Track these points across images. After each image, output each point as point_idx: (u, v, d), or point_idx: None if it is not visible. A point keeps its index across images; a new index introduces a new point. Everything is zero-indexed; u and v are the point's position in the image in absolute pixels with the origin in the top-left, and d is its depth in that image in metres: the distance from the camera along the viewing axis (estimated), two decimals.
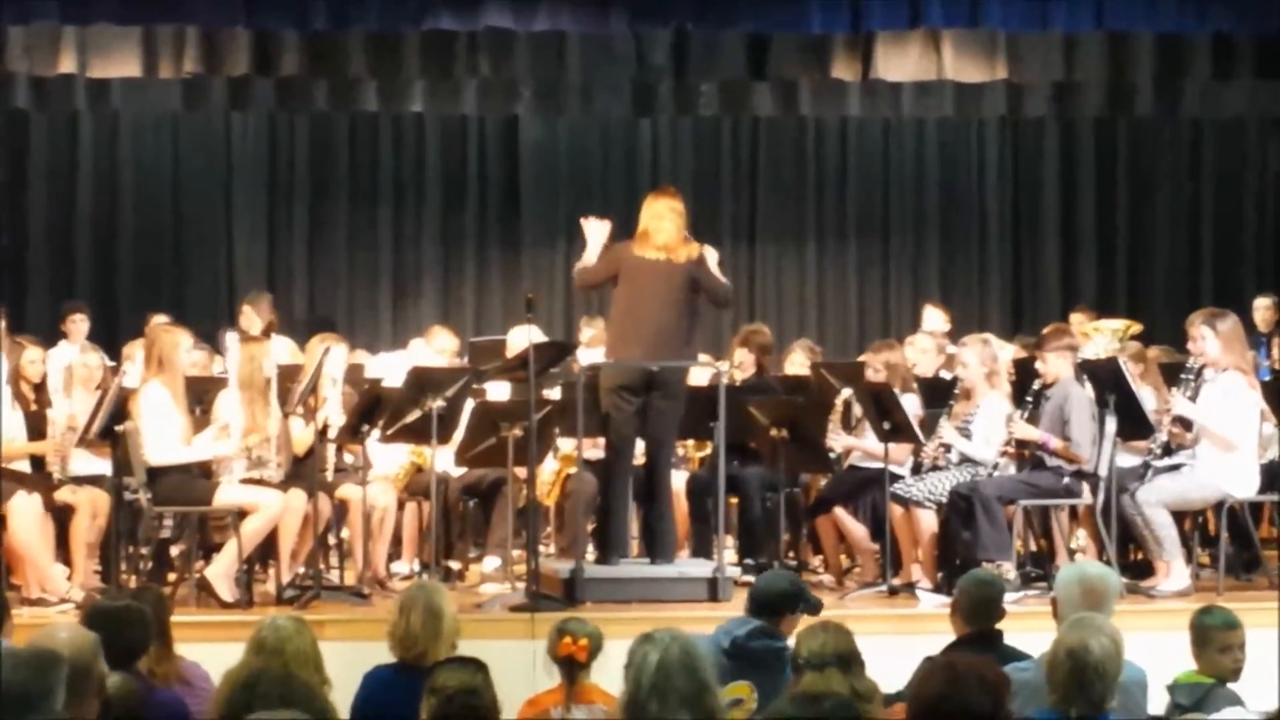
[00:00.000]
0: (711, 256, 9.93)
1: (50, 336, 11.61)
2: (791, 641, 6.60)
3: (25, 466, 10.11)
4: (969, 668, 4.78)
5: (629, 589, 9.63)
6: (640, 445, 10.11)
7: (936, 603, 9.59)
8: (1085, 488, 10.04)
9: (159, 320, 11.83)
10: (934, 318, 13.81)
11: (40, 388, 10.44)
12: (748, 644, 6.77)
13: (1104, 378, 10.14)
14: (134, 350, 10.98)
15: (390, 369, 11.20)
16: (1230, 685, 6.11)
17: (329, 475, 10.42)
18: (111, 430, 9.65)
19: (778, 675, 6.50)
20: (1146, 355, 11.01)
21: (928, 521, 10.09)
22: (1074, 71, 13.01)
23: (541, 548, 10.74)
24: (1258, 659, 7.79)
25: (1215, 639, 6.15)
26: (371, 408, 9.98)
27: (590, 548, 10.20)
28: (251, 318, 13.35)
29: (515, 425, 9.79)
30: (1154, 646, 6.91)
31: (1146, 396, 10.26)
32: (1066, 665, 5.21)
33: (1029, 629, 7.92)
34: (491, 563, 10.61)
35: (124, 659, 5.69)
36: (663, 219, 9.88)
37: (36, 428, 10.19)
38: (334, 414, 10.15)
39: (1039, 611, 8.93)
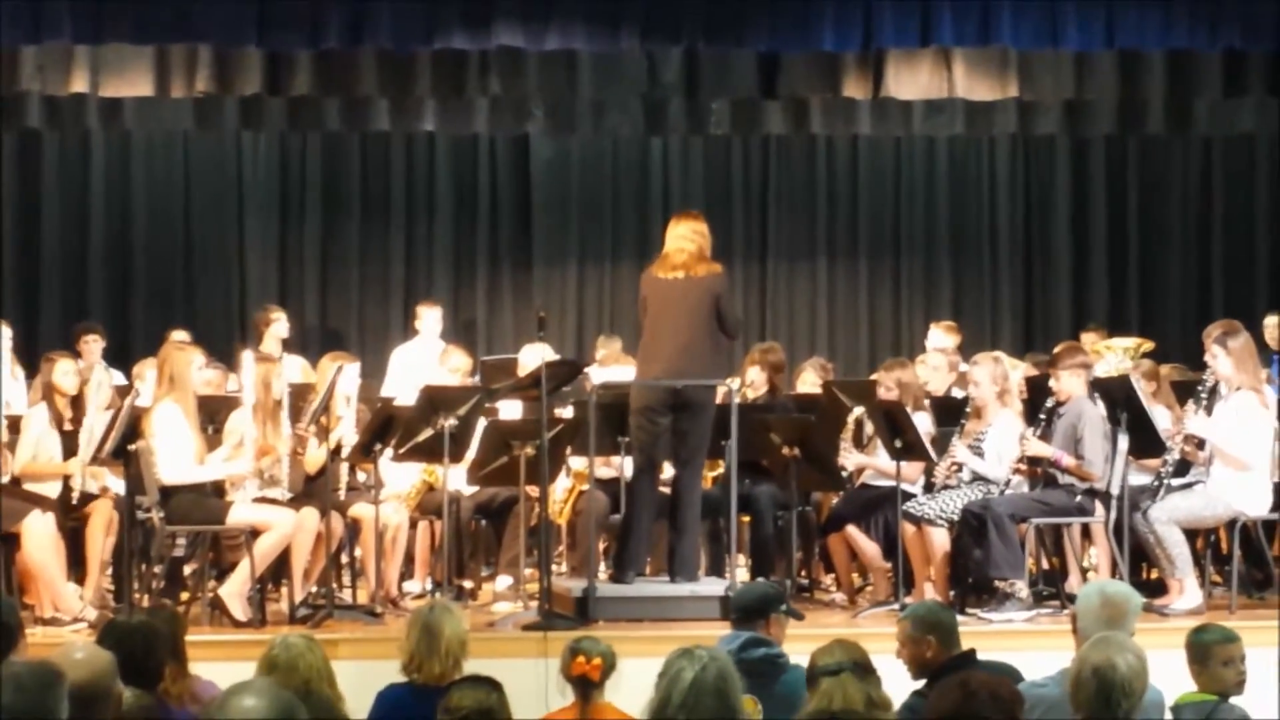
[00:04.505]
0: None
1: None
2: (785, 648, 6.66)
3: (54, 486, 10.05)
4: (982, 684, 4.78)
5: (642, 608, 9.62)
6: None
7: None
8: (1098, 506, 10.04)
9: (179, 336, 11.83)
10: (938, 336, 13.74)
11: (76, 402, 10.32)
12: (741, 656, 6.73)
13: (1116, 396, 10.13)
14: (145, 369, 10.97)
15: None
16: (1234, 700, 6.05)
17: (341, 494, 10.43)
18: (124, 449, 9.65)
19: (774, 682, 6.57)
20: (1159, 373, 11.00)
21: (940, 540, 10.07)
22: (1085, 89, 12.97)
23: (554, 566, 10.74)
24: (1270, 676, 7.80)
25: (1216, 653, 6.05)
26: (384, 426, 9.98)
27: (603, 566, 10.18)
28: (270, 336, 13.38)
29: (527, 444, 9.79)
30: (1167, 665, 6.88)
31: (1159, 415, 10.26)
32: (1093, 683, 5.10)
33: (1043, 647, 7.94)
34: (504, 581, 10.61)
35: (140, 678, 5.68)
36: (682, 239, 9.89)
37: (72, 446, 10.12)
38: (348, 434, 10.16)
39: (1052, 630, 8.98)
